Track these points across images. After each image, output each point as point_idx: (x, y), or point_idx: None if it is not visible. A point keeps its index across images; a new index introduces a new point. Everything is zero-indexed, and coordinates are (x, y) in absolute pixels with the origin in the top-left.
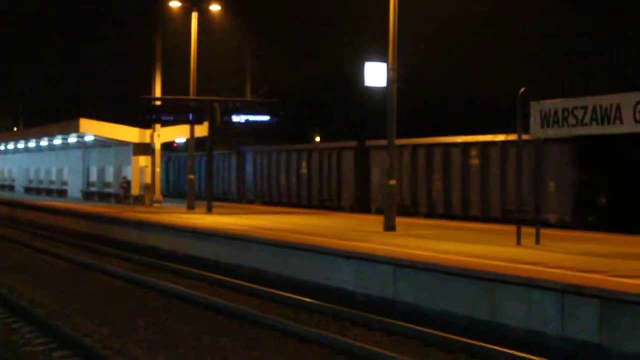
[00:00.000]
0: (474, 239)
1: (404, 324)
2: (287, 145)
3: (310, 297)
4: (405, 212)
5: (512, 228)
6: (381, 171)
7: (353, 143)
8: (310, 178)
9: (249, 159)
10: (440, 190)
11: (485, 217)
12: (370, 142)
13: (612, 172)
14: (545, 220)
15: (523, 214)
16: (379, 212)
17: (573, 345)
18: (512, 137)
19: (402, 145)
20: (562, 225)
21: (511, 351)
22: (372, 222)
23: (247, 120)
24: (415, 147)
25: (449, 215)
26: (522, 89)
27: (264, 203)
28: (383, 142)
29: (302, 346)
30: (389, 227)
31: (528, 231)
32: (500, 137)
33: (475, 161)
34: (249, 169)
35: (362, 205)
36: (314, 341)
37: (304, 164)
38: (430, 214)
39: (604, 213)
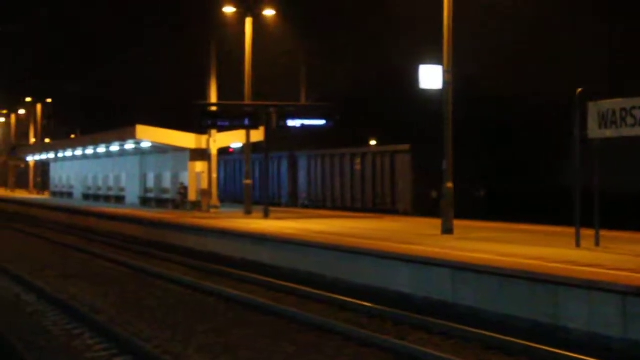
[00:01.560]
0: (532, 242)
1: (464, 327)
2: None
3: (368, 301)
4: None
5: (572, 230)
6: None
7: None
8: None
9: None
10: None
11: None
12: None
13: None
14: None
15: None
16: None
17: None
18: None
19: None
20: (405, 213)
21: (573, 354)
22: (428, 226)
23: (302, 125)
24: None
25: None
26: (580, 90)
27: (318, 207)
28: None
29: (363, 350)
30: (447, 229)
31: (586, 233)
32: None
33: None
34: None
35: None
36: (374, 345)
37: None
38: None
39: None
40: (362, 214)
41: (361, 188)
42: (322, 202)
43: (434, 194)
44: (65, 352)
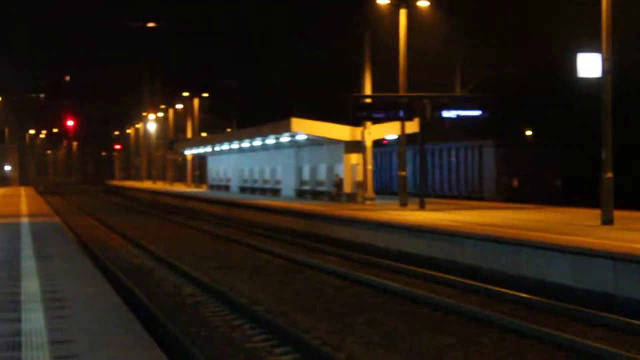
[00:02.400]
0: None
1: (626, 319)
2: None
3: (526, 293)
4: None
5: None
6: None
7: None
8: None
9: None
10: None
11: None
12: None
13: None
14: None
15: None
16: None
17: None
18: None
19: None
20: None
21: None
22: (583, 216)
23: (457, 116)
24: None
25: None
26: None
27: (472, 198)
28: None
29: (522, 342)
30: (607, 220)
31: None
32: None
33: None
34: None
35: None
36: (533, 337)
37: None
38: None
39: None
40: (520, 205)
41: (456, 177)
42: (479, 193)
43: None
44: (227, 343)
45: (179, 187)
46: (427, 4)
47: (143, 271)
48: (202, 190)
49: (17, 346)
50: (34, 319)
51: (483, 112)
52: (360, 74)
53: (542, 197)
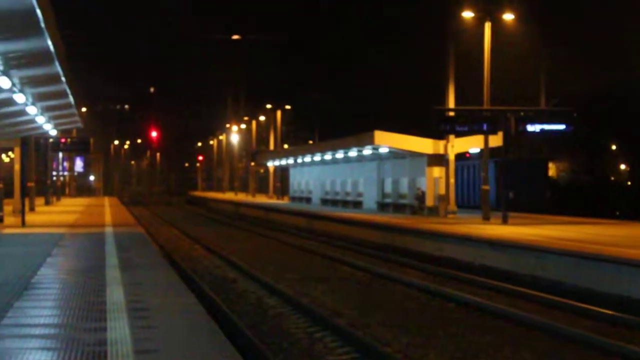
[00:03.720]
0: None
1: None
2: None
3: (610, 309)
4: None
5: None
6: None
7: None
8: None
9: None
10: None
11: None
12: None
13: None
14: None
15: None
16: None
17: None
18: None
19: None
20: None
21: None
22: None
23: (542, 130)
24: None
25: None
26: None
27: (559, 213)
28: None
29: (605, 359)
30: None
31: None
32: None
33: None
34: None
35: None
36: (618, 354)
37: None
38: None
39: None
40: (608, 221)
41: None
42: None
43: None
44: (308, 355)
45: (261, 199)
46: (512, 17)
47: (225, 282)
48: (284, 202)
49: (102, 355)
50: (119, 328)
51: (568, 126)
52: (444, 87)
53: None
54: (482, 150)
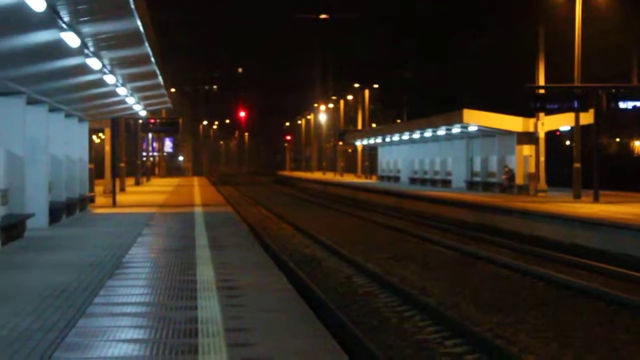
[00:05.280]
0: None
1: None
2: None
3: None
4: None
5: None
6: None
7: None
8: None
9: None
10: None
11: None
12: None
13: None
14: None
15: None
16: None
17: None
18: None
19: None
20: None
21: None
22: None
23: (634, 107)
24: None
25: None
26: None
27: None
28: None
29: None
30: None
31: None
32: None
33: None
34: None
35: None
36: None
37: None
38: None
39: None
40: None
41: None
42: None
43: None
44: (397, 333)
45: (349, 178)
46: None
47: (314, 261)
48: (372, 181)
49: (193, 333)
50: (209, 307)
51: None
52: (534, 65)
53: None
54: (572, 128)
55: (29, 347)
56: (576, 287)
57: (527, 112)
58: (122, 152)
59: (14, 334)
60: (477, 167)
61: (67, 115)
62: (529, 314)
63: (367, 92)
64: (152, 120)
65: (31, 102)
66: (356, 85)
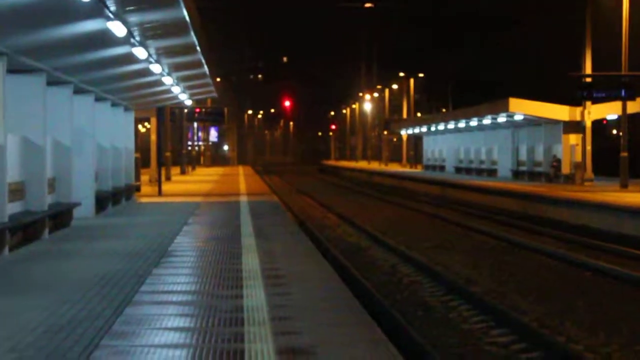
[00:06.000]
0: None
1: None
2: None
3: None
4: None
5: None
6: None
7: None
8: None
9: None
10: None
11: None
12: None
13: None
14: None
15: None
16: None
17: None
18: None
19: None
20: None
21: None
22: None
23: None
24: None
25: None
26: None
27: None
28: None
29: None
30: None
31: None
32: None
33: None
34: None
35: None
36: None
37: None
38: None
39: None
40: None
41: None
42: None
43: None
44: (443, 324)
45: (394, 167)
46: None
47: (359, 250)
48: (417, 170)
49: (239, 322)
50: (255, 296)
51: None
52: (580, 54)
53: None
54: (619, 117)
55: (76, 334)
56: (623, 277)
57: (573, 100)
58: (168, 141)
59: (62, 322)
60: (523, 156)
61: (113, 105)
62: (575, 303)
63: (412, 81)
64: (198, 110)
65: (78, 91)
66: (401, 74)
